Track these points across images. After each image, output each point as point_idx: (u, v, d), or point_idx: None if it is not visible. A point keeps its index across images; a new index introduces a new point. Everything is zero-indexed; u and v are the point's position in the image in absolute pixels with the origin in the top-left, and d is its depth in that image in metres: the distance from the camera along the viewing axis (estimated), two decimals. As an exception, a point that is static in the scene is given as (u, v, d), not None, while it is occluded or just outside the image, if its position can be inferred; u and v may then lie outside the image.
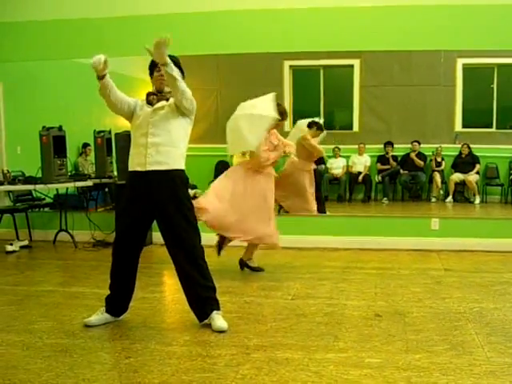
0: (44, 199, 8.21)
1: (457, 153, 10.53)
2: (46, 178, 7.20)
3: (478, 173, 10.35)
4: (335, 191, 10.46)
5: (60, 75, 8.74)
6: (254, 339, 3.95)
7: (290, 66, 10.50)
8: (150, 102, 4.24)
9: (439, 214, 9.23)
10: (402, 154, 10.66)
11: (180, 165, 4.21)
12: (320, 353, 3.67)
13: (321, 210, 8.25)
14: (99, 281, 5.68)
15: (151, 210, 4.18)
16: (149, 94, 4.30)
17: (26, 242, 7.58)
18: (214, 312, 4.22)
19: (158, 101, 4.23)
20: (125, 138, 7.69)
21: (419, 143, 10.49)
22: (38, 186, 7.29)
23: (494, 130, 10.67)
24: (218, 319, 4.18)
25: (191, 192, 10.54)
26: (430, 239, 7.31)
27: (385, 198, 10.21)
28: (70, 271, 6.43)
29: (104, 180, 8.21)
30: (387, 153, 10.53)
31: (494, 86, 10.59)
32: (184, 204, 4.18)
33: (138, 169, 4.13)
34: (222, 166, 9.86)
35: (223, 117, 9.05)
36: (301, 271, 6.11)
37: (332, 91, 10.62)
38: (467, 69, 10.51)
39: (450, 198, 10.29)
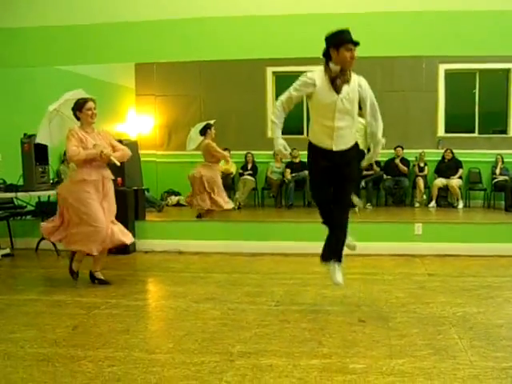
0: (26, 207, 8.14)
1: (439, 158, 10.60)
2: (27, 186, 7.14)
3: (460, 177, 10.42)
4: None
5: (42, 82, 8.69)
6: (238, 346, 3.93)
7: (273, 73, 10.53)
8: (335, 87, 4.56)
9: (422, 218, 9.26)
10: (385, 159, 10.70)
11: (355, 139, 4.79)
12: (304, 359, 3.66)
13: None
14: (82, 289, 5.65)
15: (334, 172, 4.74)
16: (335, 78, 4.55)
17: (7, 251, 7.51)
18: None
19: (343, 84, 4.57)
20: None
21: (403, 148, 10.55)
22: (20, 194, 7.22)
23: (476, 135, 10.77)
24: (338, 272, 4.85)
25: (175, 199, 10.55)
26: (414, 244, 7.32)
27: (368, 204, 10.24)
28: (52, 280, 6.36)
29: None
30: (371, 158, 10.56)
31: (476, 91, 10.69)
32: (355, 170, 4.89)
33: (324, 147, 4.68)
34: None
35: (206, 123, 9.11)
36: (285, 277, 6.10)
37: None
38: (449, 74, 10.60)
39: (433, 203, 10.36)
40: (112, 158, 5.67)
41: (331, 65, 4.58)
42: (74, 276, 5.98)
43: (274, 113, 4.71)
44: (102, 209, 5.71)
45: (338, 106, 4.56)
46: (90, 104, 5.70)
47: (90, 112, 5.68)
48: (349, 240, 4.98)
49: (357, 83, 4.62)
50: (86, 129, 5.72)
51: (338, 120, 4.60)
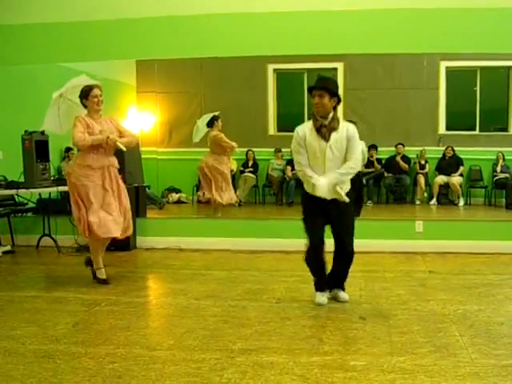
0: (27, 204, 8.14)
1: (440, 155, 10.58)
2: (28, 183, 7.12)
3: (461, 175, 10.41)
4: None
5: (43, 79, 8.68)
6: (239, 343, 3.93)
7: (274, 70, 10.51)
8: (322, 135, 4.69)
9: (423, 216, 9.25)
10: (386, 157, 10.69)
11: (348, 187, 4.85)
12: (305, 356, 3.66)
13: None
14: (82, 286, 5.65)
15: (327, 216, 4.85)
16: (320, 126, 4.67)
17: (8, 248, 7.52)
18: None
19: (330, 132, 4.67)
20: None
21: (403, 146, 10.53)
22: (21, 191, 7.21)
23: (477, 132, 10.74)
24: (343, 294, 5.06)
25: (176, 196, 10.54)
26: (415, 241, 7.32)
27: (369, 201, 10.23)
28: (53, 276, 6.37)
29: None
30: (371, 156, 10.55)
31: (477, 88, 10.66)
32: (350, 211, 4.90)
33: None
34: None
35: (207, 120, 9.11)
36: (285, 274, 6.10)
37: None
38: (450, 71, 10.57)
39: (434, 201, 10.34)
40: (118, 143, 5.63)
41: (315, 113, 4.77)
42: (106, 283, 5.77)
43: (303, 175, 4.79)
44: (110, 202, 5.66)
45: (328, 153, 4.69)
46: (96, 91, 5.65)
47: (95, 99, 5.65)
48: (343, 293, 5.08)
49: (345, 129, 4.73)
50: (93, 116, 5.68)
51: (329, 167, 4.71)
